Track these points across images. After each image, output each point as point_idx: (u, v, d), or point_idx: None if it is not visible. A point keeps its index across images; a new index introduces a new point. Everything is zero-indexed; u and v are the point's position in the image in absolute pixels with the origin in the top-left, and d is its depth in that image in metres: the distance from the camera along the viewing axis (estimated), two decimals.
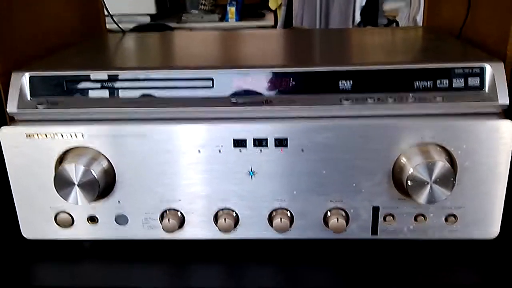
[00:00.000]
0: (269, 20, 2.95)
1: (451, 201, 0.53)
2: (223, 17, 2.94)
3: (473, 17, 0.67)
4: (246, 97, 0.52)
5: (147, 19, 2.79)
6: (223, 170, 0.53)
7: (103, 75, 0.53)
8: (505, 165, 0.51)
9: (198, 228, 0.55)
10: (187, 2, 3.00)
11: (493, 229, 0.54)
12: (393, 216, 0.54)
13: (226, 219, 0.53)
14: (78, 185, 0.51)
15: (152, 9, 2.83)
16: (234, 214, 0.54)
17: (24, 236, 0.57)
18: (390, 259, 0.55)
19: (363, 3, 2.65)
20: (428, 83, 0.51)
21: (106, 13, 0.89)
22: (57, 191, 0.52)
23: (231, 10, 2.89)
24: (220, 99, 0.53)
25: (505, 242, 0.55)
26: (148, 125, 0.52)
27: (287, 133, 0.51)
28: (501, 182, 0.52)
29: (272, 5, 2.96)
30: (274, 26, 2.88)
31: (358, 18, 2.66)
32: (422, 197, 0.50)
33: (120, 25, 0.91)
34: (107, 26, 0.93)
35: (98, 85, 0.53)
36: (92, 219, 0.56)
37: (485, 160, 0.51)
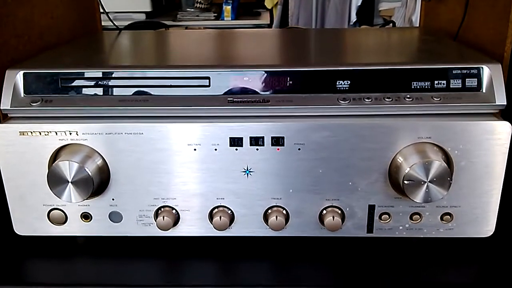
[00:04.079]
0: (264, 19, 2.95)
1: (447, 200, 0.53)
2: (219, 16, 2.93)
3: (470, 19, 0.67)
4: (242, 96, 0.52)
5: (142, 17, 2.78)
6: (219, 168, 0.53)
7: (98, 73, 0.53)
8: (501, 165, 0.51)
9: (193, 225, 0.55)
10: (183, 0, 2.99)
11: (488, 228, 0.54)
12: (388, 214, 0.54)
13: (222, 217, 0.53)
14: (71, 183, 0.51)
15: (148, 7, 2.82)
16: (230, 212, 0.54)
17: (17, 232, 0.56)
18: (386, 257, 0.55)
19: (359, 3, 2.66)
20: (426, 83, 0.52)
21: (101, 10, 0.88)
22: (50, 189, 0.51)
23: (227, 8, 2.89)
24: (216, 98, 0.52)
25: (500, 240, 0.55)
26: (144, 123, 0.52)
27: (283, 132, 0.51)
28: (497, 182, 0.52)
29: (268, 4, 2.96)
30: (270, 25, 2.88)
31: (354, 17, 2.67)
32: (419, 197, 0.50)
33: (115, 23, 0.90)
34: (102, 23, 0.93)
35: (93, 83, 0.53)
36: (86, 216, 0.55)
37: (481, 160, 0.51)
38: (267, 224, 0.54)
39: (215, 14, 2.93)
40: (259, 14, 3.07)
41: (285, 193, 0.53)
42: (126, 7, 2.69)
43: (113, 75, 0.53)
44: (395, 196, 0.53)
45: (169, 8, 3.09)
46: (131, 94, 0.53)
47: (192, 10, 2.94)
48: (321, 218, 0.54)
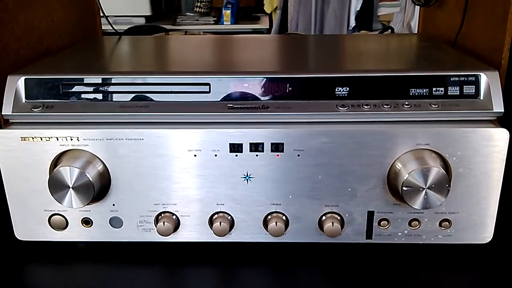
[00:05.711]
0: (264, 23, 2.96)
1: (446, 207, 0.53)
2: (218, 20, 2.94)
3: (468, 26, 0.67)
4: (242, 102, 0.53)
5: (142, 21, 2.78)
6: (218, 174, 0.53)
7: (99, 79, 0.53)
8: (499, 171, 0.52)
9: (193, 231, 0.55)
10: (182, 4, 3.00)
11: (486, 234, 0.54)
12: (387, 220, 0.54)
13: (222, 223, 0.53)
14: (72, 188, 0.51)
15: (147, 11, 2.83)
16: (230, 218, 0.54)
17: (17, 237, 0.56)
18: (384, 263, 0.55)
19: (358, 8, 2.67)
20: (424, 90, 0.52)
21: (101, 14, 0.89)
22: (51, 194, 0.52)
23: (226, 13, 2.89)
24: (216, 104, 0.53)
25: (498, 246, 0.56)
26: (145, 129, 0.52)
27: (283, 138, 0.51)
28: (495, 188, 0.52)
29: (267, 8, 2.97)
30: (269, 30, 2.89)
31: (353, 22, 2.67)
32: (417, 203, 0.50)
33: (114, 27, 0.91)
34: (102, 27, 0.93)
35: (94, 89, 0.53)
36: (86, 222, 0.55)
37: (479, 167, 0.51)
38: (267, 230, 0.54)
39: (215, 18, 2.94)
40: (258, 18, 3.08)
41: (284, 199, 0.54)
42: (125, 11, 2.69)
43: (113, 81, 0.53)
44: (394, 202, 0.53)
45: (169, 12, 3.10)
46: (131, 100, 0.53)
47: (192, 14, 2.94)
48: (320, 224, 0.54)
